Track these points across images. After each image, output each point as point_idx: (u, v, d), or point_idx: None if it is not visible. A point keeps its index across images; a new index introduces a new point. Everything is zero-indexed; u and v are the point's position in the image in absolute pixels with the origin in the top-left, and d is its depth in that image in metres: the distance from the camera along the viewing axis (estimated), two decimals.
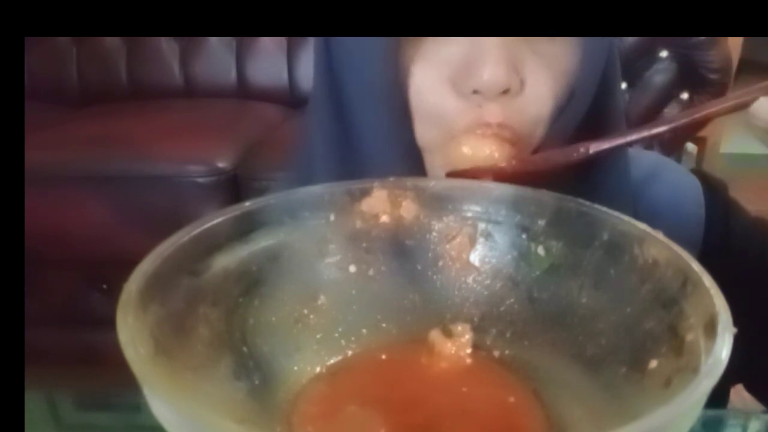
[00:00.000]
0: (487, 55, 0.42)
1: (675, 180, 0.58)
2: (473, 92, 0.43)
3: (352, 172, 0.43)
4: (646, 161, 0.59)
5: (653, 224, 0.35)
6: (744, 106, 0.41)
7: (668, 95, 1.40)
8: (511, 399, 0.36)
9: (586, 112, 0.48)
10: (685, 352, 0.29)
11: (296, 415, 0.34)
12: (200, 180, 1.45)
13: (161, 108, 1.76)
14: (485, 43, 0.43)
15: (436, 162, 0.48)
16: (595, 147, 0.44)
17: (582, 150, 0.44)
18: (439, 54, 0.45)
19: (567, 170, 0.47)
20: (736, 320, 0.27)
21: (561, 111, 0.47)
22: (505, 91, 0.43)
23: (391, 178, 0.40)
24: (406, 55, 0.45)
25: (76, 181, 1.46)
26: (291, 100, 1.86)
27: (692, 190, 0.57)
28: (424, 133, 0.47)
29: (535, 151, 0.47)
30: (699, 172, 0.59)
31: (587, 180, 0.50)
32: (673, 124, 0.44)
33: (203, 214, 0.35)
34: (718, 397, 0.29)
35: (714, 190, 0.57)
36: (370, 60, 0.46)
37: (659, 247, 0.33)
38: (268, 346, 0.37)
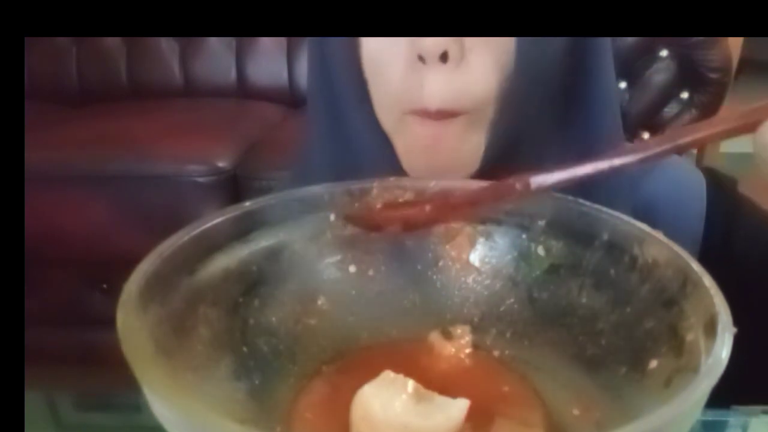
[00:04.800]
0: None
1: (675, 173, 0.57)
2: (419, 59, 0.43)
3: (349, 171, 0.43)
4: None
5: (651, 215, 0.35)
6: (744, 130, 0.33)
7: (668, 94, 1.40)
8: (512, 399, 0.36)
9: (568, 94, 0.48)
10: (685, 352, 0.29)
11: (296, 415, 0.34)
12: (200, 180, 1.44)
13: (161, 108, 1.76)
14: None
15: (397, 147, 0.48)
16: (537, 181, 0.36)
17: (518, 186, 0.36)
18: None
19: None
20: (735, 324, 0.27)
21: (510, 86, 0.45)
22: (444, 57, 0.42)
23: (392, 178, 0.40)
24: None
25: (76, 181, 1.46)
26: (291, 99, 1.86)
27: (694, 183, 0.56)
28: (380, 114, 0.47)
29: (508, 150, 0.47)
30: (706, 168, 0.58)
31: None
32: (645, 154, 0.35)
33: (203, 214, 0.35)
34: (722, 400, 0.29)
35: (719, 186, 0.56)
36: (340, 46, 0.46)
37: (659, 247, 0.33)
38: (268, 346, 0.37)
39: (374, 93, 0.47)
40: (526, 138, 0.47)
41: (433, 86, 0.43)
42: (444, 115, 0.44)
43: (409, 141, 0.47)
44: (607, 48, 0.50)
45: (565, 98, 0.49)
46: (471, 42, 0.43)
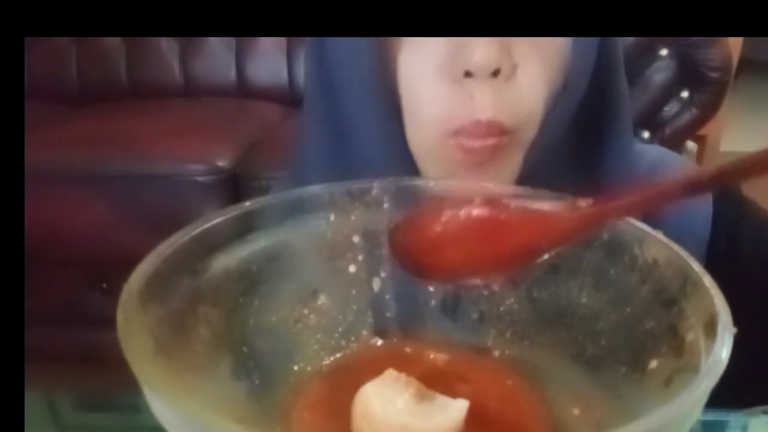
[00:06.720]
0: None
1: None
2: (465, 75, 0.42)
3: (346, 173, 0.43)
4: (651, 155, 0.58)
5: (656, 218, 0.35)
6: None
7: (668, 93, 1.40)
8: (512, 399, 0.36)
9: (588, 108, 0.48)
10: (685, 352, 0.29)
11: (296, 415, 0.34)
12: (200, 179, 1.45)
13: (161, 107, 1.76)
14: None
15: (429, 169, 0.47)
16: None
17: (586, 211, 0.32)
18: (427, 39, 0.44)
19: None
20: (740, 328, 0.27)
21: (554, 103, 0.46)
22: (496, 73, 0.42)
23: (392, 178, 0.40)
24: (391, 45, 0.44)
25: (76, 181, 1.46)
26: (291, 99, 1.86)
27: None
28: (416, 135, 0.46)
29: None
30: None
31: (591, 174, 0.50)
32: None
33: (203, 214, 0.35)
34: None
35: (725, 189, 0.56)
36: (356, 53, 0.45)
37: (659, 247, 0.33)
38: (268, 346, 0.37)
39: (411, 115, 0.46)
40: (553, 159, 0.47)
41: (484, 97, 0.43)
42: (494, 130, 0.43)
43: (449, 166, 0.46)
44: (621, 62, 0.51)
45: (590, 116, 0.49)
46: (519, 56, 0.43)
